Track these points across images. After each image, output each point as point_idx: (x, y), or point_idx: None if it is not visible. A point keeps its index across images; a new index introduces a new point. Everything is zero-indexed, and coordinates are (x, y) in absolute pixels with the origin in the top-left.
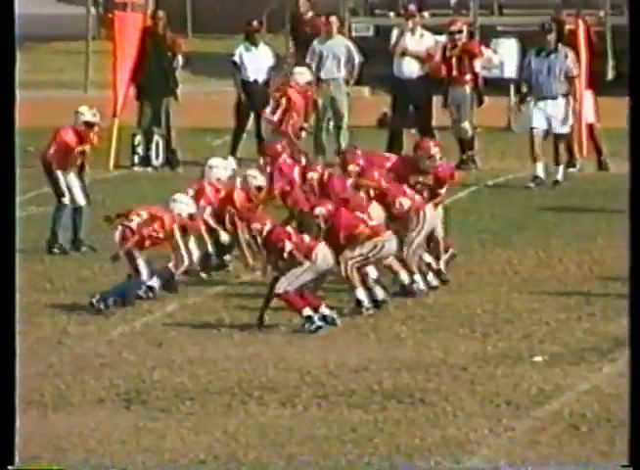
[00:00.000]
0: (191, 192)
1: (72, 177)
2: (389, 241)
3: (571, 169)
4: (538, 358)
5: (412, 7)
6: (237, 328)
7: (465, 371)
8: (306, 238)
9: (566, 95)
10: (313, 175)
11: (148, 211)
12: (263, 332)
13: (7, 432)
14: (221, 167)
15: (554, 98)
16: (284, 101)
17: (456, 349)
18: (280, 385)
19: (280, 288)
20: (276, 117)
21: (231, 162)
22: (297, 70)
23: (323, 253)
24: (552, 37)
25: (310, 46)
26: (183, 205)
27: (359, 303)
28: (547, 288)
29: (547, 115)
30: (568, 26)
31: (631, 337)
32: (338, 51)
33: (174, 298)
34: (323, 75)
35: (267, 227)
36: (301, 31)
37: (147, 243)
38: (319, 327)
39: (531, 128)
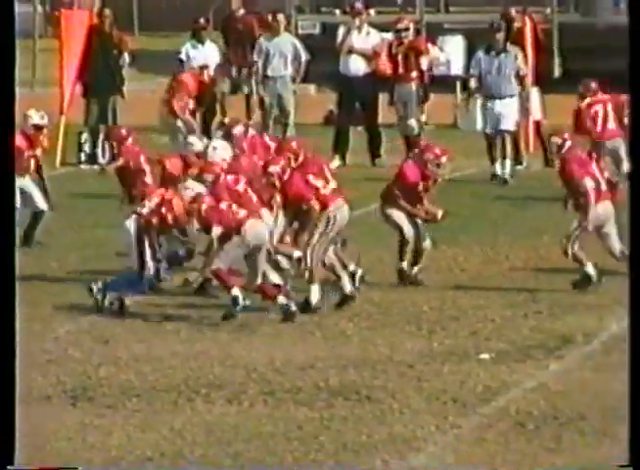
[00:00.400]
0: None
1: (28, 182)
2: (340, 209)
3: (518, 167)
4: (485, 356)
5: (358, 5)
6: (183, 325)
7: (411, 368)
8: (241, 213)
9: (514, 95)
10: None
11: (160, 194)
12: (210, 329)
13: (7, 432)
14: (224, 148)
15: (503, 97)
16: (174, 83)
17: (402, 346)
18: (226, 382)
19: (213, 265)
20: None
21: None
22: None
23: (253, 228)
24: (501, 36)
25: (257, 43)
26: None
27: (307, 302)
28: (493, 285)
29: (496, 114)
30: (515, 24)
31: (631, 336)
32: (284, 49)
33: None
34: (270, 73)
35: (203, 206)
36: (233, 29)
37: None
38: (235, 313)
39: (485, 129)
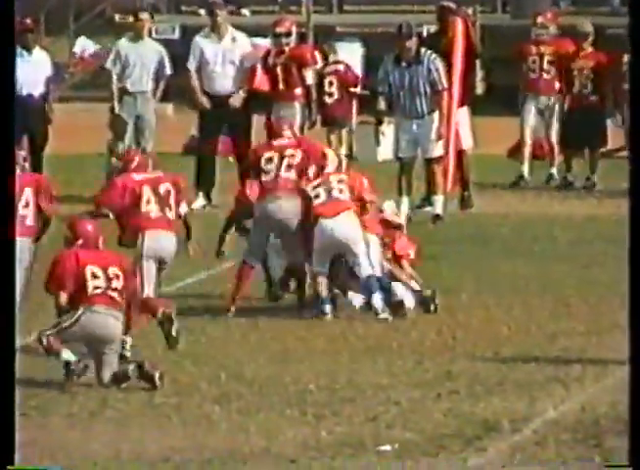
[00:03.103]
0: None
1: None
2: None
3: (428, 208)
4: (386, 447)
5: (218, 1)
6: None
7: (293, 464)
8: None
9: (433, 112)
10: None
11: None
12: (40, 413)
13: (7, 432)
14: None
15: (420, 117)
16: None
17: (282, 435)
18: None
19: None
20: None
21: None
22: None
23: (151, 239)
24: (412, 43)
25: (113, 47)
26: None
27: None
28: (398, 358)
29: (414, 138)
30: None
31: (631, 334)
32: (148, 58)
33: None
34: (129, 87)
35: None
36: None
37: None
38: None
39: (399, 158)
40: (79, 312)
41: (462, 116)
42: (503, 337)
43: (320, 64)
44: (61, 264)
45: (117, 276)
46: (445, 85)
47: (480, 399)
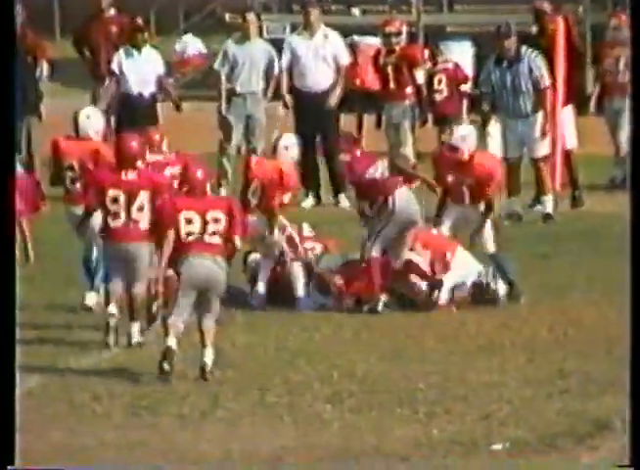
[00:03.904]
0: None
1: None
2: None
3: (539, 207)
4: (498, 446)
5: None
6: (116, 407)
7: (405, 462)
8: None
9: (538, 111)
10: None
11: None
12: (149, 413)
13: (7, 432)
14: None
15: (524, 117)
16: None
17: (393, 433)
18: None
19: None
20: None
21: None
22: None
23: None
24: (511, 43)
25: (222, 48)
26: None
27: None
28: (510, 357)
29: (520, 137)
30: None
31: (632, 332)
32: (256, 58)
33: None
34: (238, 88)
35: None
36: (101, 34)
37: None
38: None
39: (505, 158)
40: (177, 263)
41: (566, 115)
42: (614, 335)
43: (429, 63)
44: (158, 212)
45: (217, 220)
46: (548, 83)
47: (592, 398)
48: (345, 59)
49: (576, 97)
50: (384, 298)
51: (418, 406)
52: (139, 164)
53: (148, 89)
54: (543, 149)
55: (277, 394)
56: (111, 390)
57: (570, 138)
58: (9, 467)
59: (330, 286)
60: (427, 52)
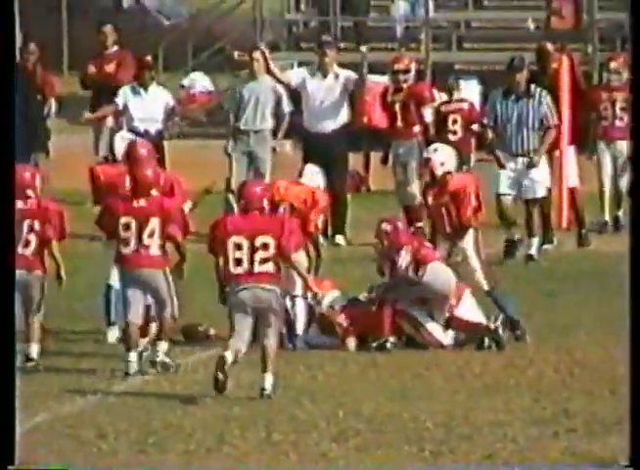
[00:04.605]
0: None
1: None
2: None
3: (546, 246)
4: None
5: (327, 38)
6: (122, 443)
7: None
8: None
9: (539, 150)
10: None
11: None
12: (155, 450)
13: (7, 432)
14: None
15: (524, 155)
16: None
17: None
18: None
19: None
20: None
21: None
22: None
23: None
24: (522, 77)
25: (233, 87)
26: None
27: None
28: (515, 396)
29: (518, 175)
30: (552, 65)
31: (632, 331)
32: (263, 96)
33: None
34: (242, 125)
35: None
36: (99, 71)
37: None
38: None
39: (498, 195)
40: (227, 293)
41: (569, 154)
42: (620, 375)
43: (442, 100)
44: (212, 231)
45: (266, 245)
46: (556, 121)
47: (598, 438)
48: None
49: (581, 137)
50: (392, 338)
51: (424, 445)
52: (153, 192)
53: (154, 127)
54: (539, 191)
55: (283, 432)
56: (117, 427)
57: (572, 177)
58: (9, 467)
59: (335, 326)
60: (437, 90)
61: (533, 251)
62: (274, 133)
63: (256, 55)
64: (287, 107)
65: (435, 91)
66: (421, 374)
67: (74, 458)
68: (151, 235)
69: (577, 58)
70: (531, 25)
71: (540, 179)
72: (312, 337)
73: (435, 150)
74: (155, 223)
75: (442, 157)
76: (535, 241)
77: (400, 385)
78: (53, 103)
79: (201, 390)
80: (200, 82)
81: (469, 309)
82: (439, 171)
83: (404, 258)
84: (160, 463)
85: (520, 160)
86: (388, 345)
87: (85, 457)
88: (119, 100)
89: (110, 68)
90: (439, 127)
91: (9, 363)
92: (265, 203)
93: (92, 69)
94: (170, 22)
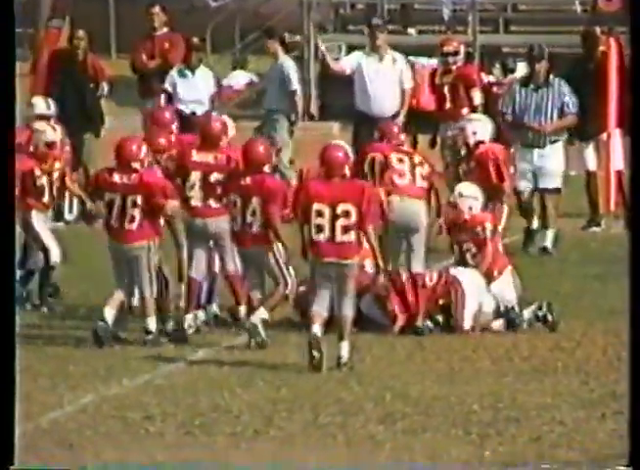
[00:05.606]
0: None
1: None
2: None
3: (594, 229)
4: (546, 466)
5: (376, 21)
6: (169, 426)
7: None
8: None
9: (559, 140)
10: None
11: None
12: (202, 432)
13: (7, 432)
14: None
15: (542, 146)
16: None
17: (446, 454)
18: None
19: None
20: None
21: None
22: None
23: None
24: (542, 66)
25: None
26: None
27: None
28: (563, 379)
29: (533, 167)
30: (600, 48)
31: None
32: (274, 76)
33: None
34: (264, 105)
35: None
36: (150, 56)
37: None
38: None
39: (517, 192)
40: (311, 261)
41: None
42: None
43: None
44: (294, 196)
45: (347, 213)
46: (575, 110)
47: None
48: (409, 83)
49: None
50: (428, 322)
51: (471, 428)
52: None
53: (201, 109)
54: (554, 181)
55: (330, 414)
56: (164, 409)
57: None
58: (9, 467)
59: (387, 305)
60: (484, 73)
61: (548, 243)
62: (290, 116)
63: (271, 41)
64: (291, 86)
65: (483, 74)
66: (468, 357)
67: (121, 440)
68: (253, 214)
69: (625, 41)
70: (579, 8)
71: (555, 170)
72: (367, 305)
73: (470, 120)
74: (256, 203)
75: (476, 127)
76: (550, 232)
77: (447, 367)
78: (105, 85)
79: (248, 371)
80: (243, 80)
81: (505, 286)
82: (471, 141)
83: None
84: (206, 445)
85: (535, 151)
86: (425, 332)
87: (132, 439)
88: (167, 85)
89: (161, 51)
90: (494, 108)
91: (9, 363)
92: (347, 169)
93: (143, 53)
94: (217, 2)
